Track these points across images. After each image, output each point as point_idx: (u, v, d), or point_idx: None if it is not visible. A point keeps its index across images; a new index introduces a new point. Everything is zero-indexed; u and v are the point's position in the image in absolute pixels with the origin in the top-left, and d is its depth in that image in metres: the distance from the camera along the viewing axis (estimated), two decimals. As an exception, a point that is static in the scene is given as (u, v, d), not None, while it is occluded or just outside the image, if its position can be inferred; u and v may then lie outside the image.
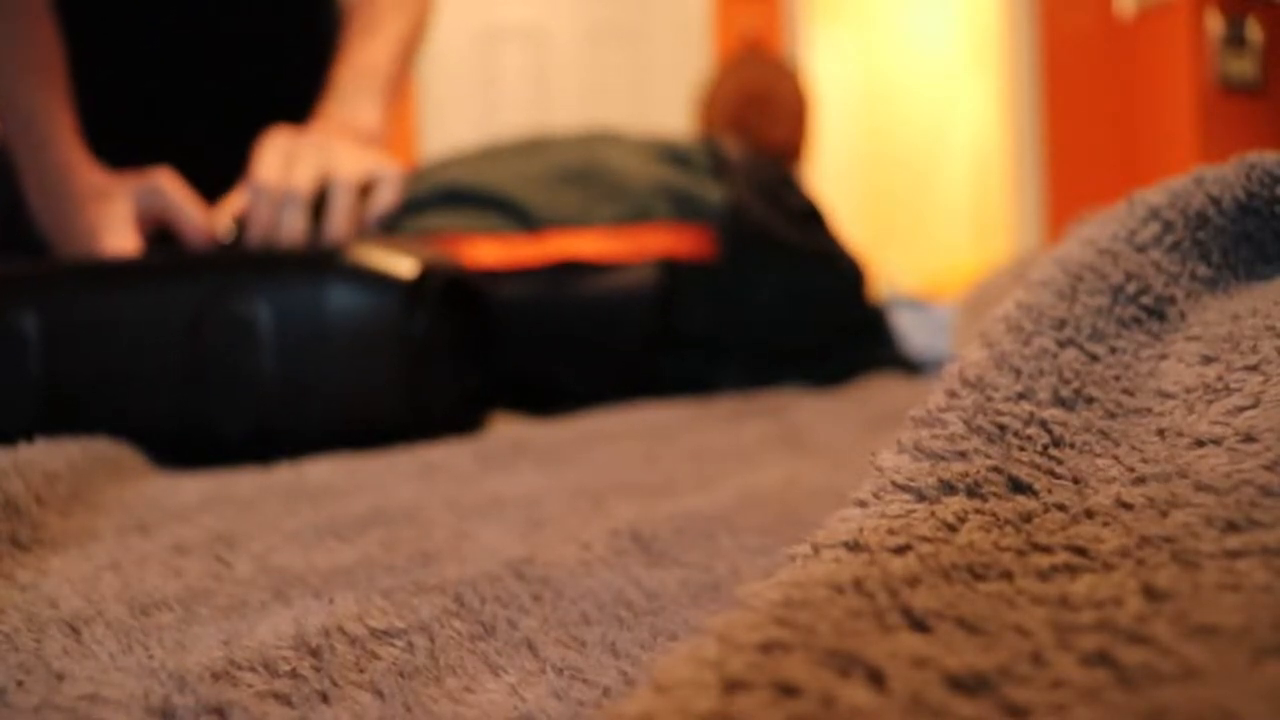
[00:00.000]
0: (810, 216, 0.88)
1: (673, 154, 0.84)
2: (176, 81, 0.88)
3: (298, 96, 0.86)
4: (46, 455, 0.40)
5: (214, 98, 0.89)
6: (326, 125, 0.79)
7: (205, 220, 0.71)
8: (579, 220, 0.76)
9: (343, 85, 0.82)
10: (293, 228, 0.70)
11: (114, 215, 0.71)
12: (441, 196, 0.77)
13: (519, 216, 0.76)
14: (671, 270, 0.77)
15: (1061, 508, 0.20)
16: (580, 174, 0.80)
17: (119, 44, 0.86)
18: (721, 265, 0.78)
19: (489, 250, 0.74)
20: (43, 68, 0.77)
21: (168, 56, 0.87)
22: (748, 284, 0.79)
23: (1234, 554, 0.17)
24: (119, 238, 0.70)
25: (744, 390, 0.78)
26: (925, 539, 0.18)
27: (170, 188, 0.71)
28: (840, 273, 0.87)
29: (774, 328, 0.81)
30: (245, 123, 0.80)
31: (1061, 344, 0.26)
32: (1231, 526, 0.17)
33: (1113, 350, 0.26)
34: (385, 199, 0.74)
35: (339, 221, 0.71)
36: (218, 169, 0.78)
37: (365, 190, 0.75)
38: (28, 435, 0.41)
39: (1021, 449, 0.22)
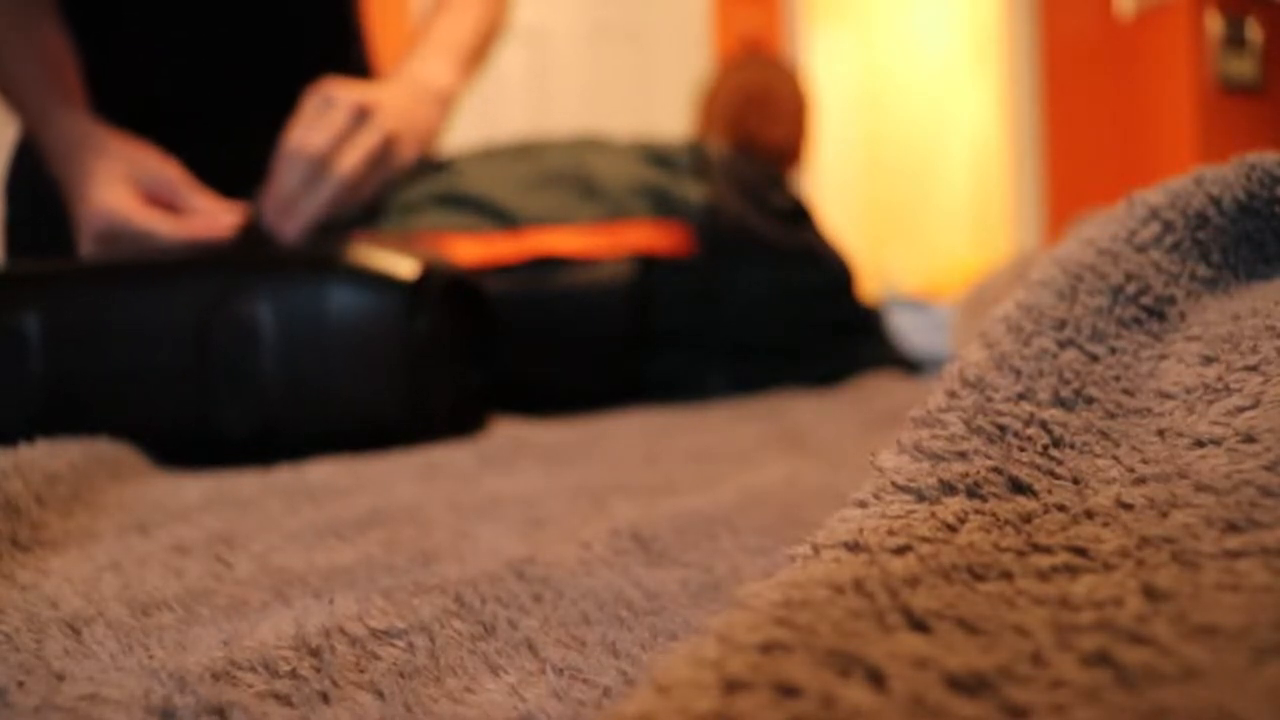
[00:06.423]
0: (796, 215, 0.88)
1: (656, 156, 0.84)
2: (205, 65, 0.88)
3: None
4: (47, 455, 0.40)
5: (243, 83, 0.89)
6: (398, 80, 0.78)
7: (211, 211, 0.69)
8: (558, 220, 0.77)
9: (422, 47, 0.82)
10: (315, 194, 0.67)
11: (107, 171, 0.71)
12: (428, 199, 0.77)
13: (500, 217, 0.76)
14: (648, 266, 0.76)
15: (1061, 508, 0.20)
16: (563, 177, 0.80)
17: (151, 24, 0.87)
18: (699, 262, 0.78)
19: (468, 248, 0.74)
20: (52, 66, 0.79)
21: (198, 39, 0.88)
22: (726, 280, 0.79)
23: (1234, 554, 0.17)
24: (110, 192, 0.70)
25: (733, 391, 0.78)
26: (925, 539, 0.18)
27: (178, 177, 0.70)
28: (826, 271, 0.86)
29: (756, 325, 0.80)
30: (270, 107, 0.79)
31: (1061, 344, 0.26)
32: (1231, 527, 0.17)
33: (1113, 350, 0.26)
34: (398, 163, 0.72)
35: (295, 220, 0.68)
36: (245, 152, 0.78)
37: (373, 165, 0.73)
38: (28, 435, 0.41)
39: (1021, 449, 0.22)
